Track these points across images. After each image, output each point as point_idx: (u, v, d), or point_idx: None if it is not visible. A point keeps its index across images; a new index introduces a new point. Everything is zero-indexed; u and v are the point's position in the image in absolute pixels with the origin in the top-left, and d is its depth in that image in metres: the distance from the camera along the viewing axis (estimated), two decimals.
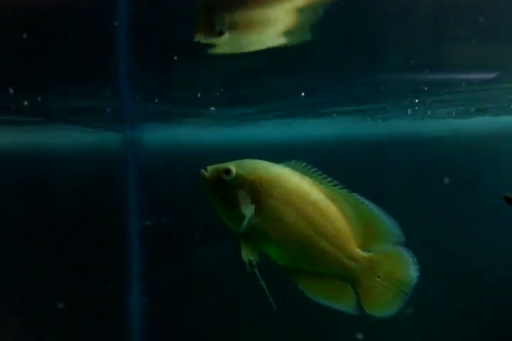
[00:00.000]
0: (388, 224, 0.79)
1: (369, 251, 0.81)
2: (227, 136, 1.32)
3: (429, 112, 2.72)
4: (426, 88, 2.12)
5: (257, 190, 0.76)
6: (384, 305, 0.79)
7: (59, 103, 2.01)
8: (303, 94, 2.03)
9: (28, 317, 1.44)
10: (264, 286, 0.74)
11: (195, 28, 1.29)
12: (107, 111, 1.95)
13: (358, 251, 0.79)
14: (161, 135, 1.38)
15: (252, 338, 1.42)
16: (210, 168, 0.77)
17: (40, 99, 1.94)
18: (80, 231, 1.38)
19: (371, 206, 0.80)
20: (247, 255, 0.75)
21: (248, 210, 0.75)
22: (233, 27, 1.21)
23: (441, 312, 1.42)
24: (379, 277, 0.79)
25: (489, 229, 1.38)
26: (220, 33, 1.17)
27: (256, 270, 0.75)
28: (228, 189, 0.76)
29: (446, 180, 1.44)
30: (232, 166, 0.76)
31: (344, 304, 0.80)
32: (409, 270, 0.79)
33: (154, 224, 1.34)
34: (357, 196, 0.79)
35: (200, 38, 1.31)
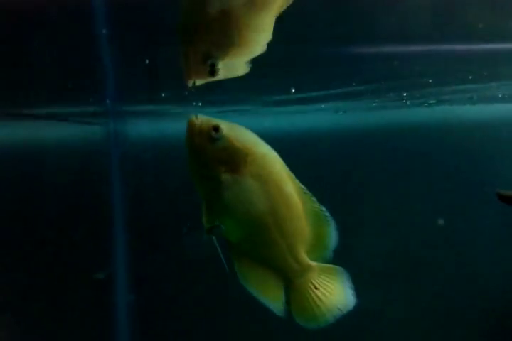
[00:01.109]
0: (332, 233, 0.80)
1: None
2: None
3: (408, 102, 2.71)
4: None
5: (239, 161, 0.73)
6: (312, 317, 0.79)
7: (41, 103, 1.96)
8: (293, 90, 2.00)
9: (12, 315, 1.41)
10: (220, 253, 0.75)
11: (184, 73, 1.23)
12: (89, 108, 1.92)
13: (304, 256, 0.78)
14: (145, 127, 1.35)
15: (243, 335, 1.40)
16: (200, 118, 0.73)
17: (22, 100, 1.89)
18: (64, 226, 1.35)
19: (331, 222, 0.80)
20: (208, 221, 0.75)
21: (224, 178, 0.73)
22: (224, 54, 1.15)
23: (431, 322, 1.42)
24: (316, 288, 0.79)
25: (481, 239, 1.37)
26: (212, 71, 1.10)
27: (214, 238, 0.74)
28: (211, 147, 0.73)
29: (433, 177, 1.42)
30: (224, 125, 0.73)
31: (270, 301, 0.79)
32: (345, 293, 0.80)
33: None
34: (323, 208, 0.79)
35: (192, 82, 1.24)
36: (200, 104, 1.50)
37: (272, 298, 0.79)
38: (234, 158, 0.72)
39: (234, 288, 0.80)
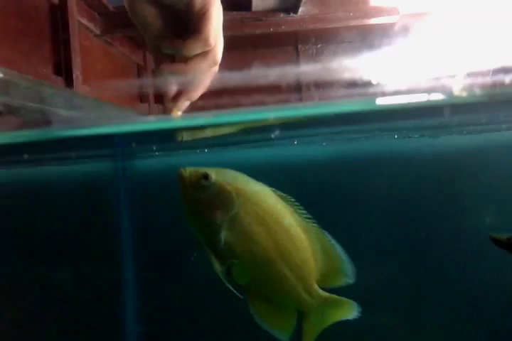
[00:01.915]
0: (345, 266, 0.82)
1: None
2: (220, 159, 1.32)
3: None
4: None
5: (232, 203, 0.76)
6: None
7: None
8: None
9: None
10: (236, 293, 0.77)
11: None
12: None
13: (316, 287, 0.81)
14: (153, 160, 1.39)
15: None
16: (189, 170, 0.77)
17: None
18: (73, 258, 1.39)
19: (334, 244, 0.81)
20: (218, 266, 0.77)
21: (220, 222, 0.76)
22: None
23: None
24: (328, 319, 0.83)
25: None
26: None
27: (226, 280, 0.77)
28: (203, 195, 0.76)
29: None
30: (212, 172, 0.76)
31: (282, 334, 0.81)
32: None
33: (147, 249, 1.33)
34: (326, 233, 0.80)
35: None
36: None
37: (284, 330, 0.82)
38: (227, 201, 0.76)
39: (243, 317, 0.81)
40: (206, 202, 0.77)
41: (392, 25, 1.36)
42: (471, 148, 1.47)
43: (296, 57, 1.72)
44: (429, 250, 1.41)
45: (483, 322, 1.40)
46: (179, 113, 0.69)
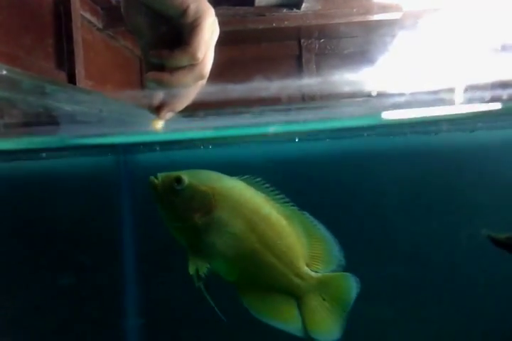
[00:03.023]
0: (333, 247, 0.81)
1: (315, 272, 0.81)
2: (223, 155, 1.33)
3: None
4: None
5: (209, 202, 0.76)
6: (326, 328, 0.82)
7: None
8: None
9: (21, 337, 1.44)
10: (211, 301, 0.76)
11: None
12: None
13: (306, 270, 0.80)
14: (155, 154, 1.40)
15: None
16: (160, 176, 0.76)
17: None
18: (74, 250, 1.40)
19: (319, 226, 0.81)
20: (194, 269, 0.77)
21: (199, 222, 0.76)
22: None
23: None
24: (324, 299, 0.82)
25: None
26: None
27: (202, 284, 0.76)
28: (178, 199, 0.75)
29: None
30: (185, 175, 0.76)
31: (288, 324, 0.81)
32: (352, 295, 0.82)
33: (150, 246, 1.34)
34: (307, 215, 0.80)
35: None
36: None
37: (290, 323, 0.82)
38: (203, 202, 0.76)
39: (244, 309, 0.82)
40: (183, 206, 0.77)
41: (395, 21, 1.36)
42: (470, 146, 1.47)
43: (298, 52, 1.72)
44: (427, 248, 1.42)
45: (482, 321, 1.41)
46: (160, 123, 0.69)
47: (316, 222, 0.82)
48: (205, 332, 1.11)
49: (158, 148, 1.38)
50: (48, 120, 1.11)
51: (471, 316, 1.39)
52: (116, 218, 1.41)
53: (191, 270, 0.78)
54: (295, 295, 0.82)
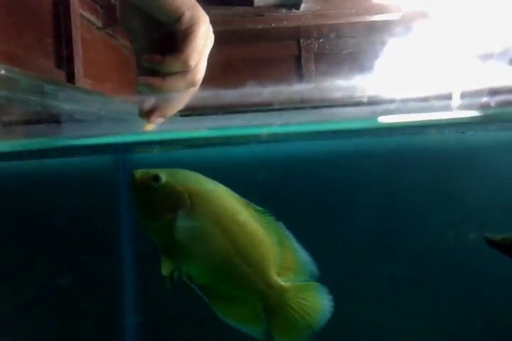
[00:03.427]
0: (304, 259, 0.81)
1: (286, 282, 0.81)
2: (222, 155, 1.32)
3: None
4: None
5: (185, 203, 0.75)
6: (292, 338, 0.81)
7: None
8: None
9: (20, 335, 1.44)
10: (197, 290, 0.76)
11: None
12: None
13: (276, 279, 0.79)
14: (153, 155, 1.40)
15: None
16: (139, 172, 0.76)
17: None
18: (73, 248, 1.40)
19: (291, 237, 0.80)
20: (167, 270, 0.75)
21: (173, 223, 0.74)
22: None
23: None
24: (293, 309, 0.81)
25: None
26: None
27: (170, 285, 0.74)
28: (154, 197, 0.75)
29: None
30: (162, 173, 0.75)
31: (253, 328, 0.80)
32: (321, 308, 0.82)
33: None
34: (281, 225, 0.79)
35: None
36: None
37: (253, 325, 0.81)
38: (179, 202, 0.75)
39: None
40: (158, 204, 0.76)
41: (394, 22, 1.36)
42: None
43: (297, 52, 1.72)
44: (424, 248, 1.42)
45: (481, 320, 1.41)
46: (151, 127, 0.69)
47: (288, 233, 0.81)
48: (203, 331, 1.11)
49: (157, 147, 1.39)
50: (47, 119, 1.12)
51: (471, 316, 1.40)
52: (115, 217, 1.42)
53: (164, 271, 0.76)
54: (263, 303, 0.82)
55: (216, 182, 0.80)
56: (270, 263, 0.81)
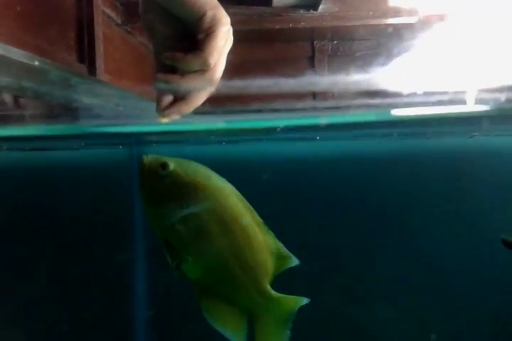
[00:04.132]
0: (289, 257, 0.80)
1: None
2: (233, 151, 1.32)
3: None
4: None
5: (189, 196, 0.73)
6: None
7: None
8: None
9: (29, 327, 1.46)
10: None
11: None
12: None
13: (269, 289, 0.78)
14: (166, 147, 1.41)
15: None
16: (149, 157, 0.74)
17: None
18: (86, 237, 1.41)
19: (280, 243, 0.79)
20: (171, 259, 0.75)
21: (176, 214, 0.73)
22: None
23: None
24: (277, 320, 0.81)
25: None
26: None
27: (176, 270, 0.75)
28: (160, 184, 0.73)
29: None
30: (171, 162, 0.73)
31: (234, 333, 0.79)
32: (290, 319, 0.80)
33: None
34: (271, 232, 0.78)
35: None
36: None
37: (235, 331, 0.80)
38: (185, 194, 0.73)
39: None
40: (163, 192, 0.74)
41: (410, 25, 1.37)
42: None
43: (311, 53, 1.73)
44: (431, 251, 1.43)
45: (484, 323, 1.42)
46: (165, 121, 0.69)
47: (278, 242, 0.80)
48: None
49: (170, 141, 1.40)
50: (67, 112, 1.13)
51: (473, 317, 1.40)
52: (128, 211, 1.43)
53: (170, 260, 0.76)
54: (251, 310, 0.81)
55: (224, 180, 0.78)
56: (265, 271, 0.80)
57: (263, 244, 0.79)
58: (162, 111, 0.68)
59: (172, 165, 0.74)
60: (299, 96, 1.42)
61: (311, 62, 1.74)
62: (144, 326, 1.41)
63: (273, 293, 0.81)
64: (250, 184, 1.35)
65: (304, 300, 0.82)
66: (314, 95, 1.58)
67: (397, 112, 1.16)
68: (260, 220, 0.79)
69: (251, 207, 0.79)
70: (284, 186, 1.41)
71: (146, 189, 0.76)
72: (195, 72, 0.63)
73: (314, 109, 1.46)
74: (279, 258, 0.81)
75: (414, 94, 1.17)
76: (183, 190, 0.75)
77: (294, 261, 0.81)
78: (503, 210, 1.33)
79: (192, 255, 0.77)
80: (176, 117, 0.70)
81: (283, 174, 1.41)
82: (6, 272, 1.35)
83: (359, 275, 1.44)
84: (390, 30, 1.44)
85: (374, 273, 1.37)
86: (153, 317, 1.42)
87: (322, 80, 1.64)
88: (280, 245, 0.81)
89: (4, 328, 1.41)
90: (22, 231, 1.41)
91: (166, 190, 0.75)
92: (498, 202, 1.36)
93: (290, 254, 0.81)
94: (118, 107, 1.23)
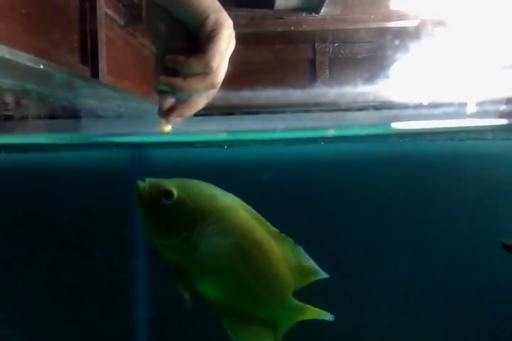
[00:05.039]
0: (316, 271, 0.77)
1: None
2: (237, 155, 1.32)
3: None
4: None
5: (198, 220, 0.69)
6: None
7: None
8: None
9: (30, 328, 1.46)
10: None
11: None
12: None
13: (293, 300, 0.75)
14: (168, 150, 1.41)
15: None
16: (148, 184, 0.69)
17: None
18: (86, 241, 1.41)
19: (302, 251, 0.76)
20: (184, 288, 0.71)
21: (185, 240, 0.69)
22: None
23: None
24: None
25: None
26: None
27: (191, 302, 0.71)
28: (166, 214, 0.69)
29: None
30: (174, 188, 0.69)
31: None
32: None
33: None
34: (291, 240, 0.75)
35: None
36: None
37: None
38: (193, 219, 0.69)
39: None
40: (169, 221, 0.71)
41: (411, 28, 1.38)
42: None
43: (312, 56, 1.74)
44: (432, 254, 1.44)
45: (484, 325, 1.43)
46: (168, 127, 0.69)
47: (303, 251, 0.76)
48: (213, 327, 1.13)
49: (172, 144, 1.40)
50: (71, 114, 1.14)
51: (475, 318, 1.41)
52: (130, 212, 1.43)
53: (182, 289, 0.73)
54: (276, 322, 0.78)
55: (229, 194, 0.75)
56: (287, 283, 0.77)
57: (280, 255, 0.76)
58: (163, 114, 0.68)
59: (175, 191, 0.70)
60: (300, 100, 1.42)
61: (312, 64, 1.75)
62: (145, 327, 1.41)
63: (297, 303, 0.79)
64: (253, 186, 1.36)
65: (329, 316, 0.79)
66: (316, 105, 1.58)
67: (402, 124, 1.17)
68: (275, 230, 0.76)
69: (263, 218, 0.76)
70: (287, 189, 1.42)
71: (150, 219, 0.72)
72: (197, 75, 0.63)
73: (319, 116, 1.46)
74: (304, 271, 0.78)
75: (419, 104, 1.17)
76: (190, 216, 0.71)
77: (322, 275, 0.78)
78: (504, 213, 1.34)
79: (210, 279, 0.74)
80: (177, 121, 0.69)
81: (287, 177, 1.41)
82: (6, 274, 1.35)
83: (359, 276, 1.45)
84: (391, 33, 1.44)
85: (374, 274, 1.38)
86: (153, 319, 1.42)
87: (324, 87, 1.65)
88: (306, 258, 0.78)
89: (4, 328, 1.41)
90: (22, 234, 1.41)
91: (173, 219, 0.71)
92: (499, 205, 1.37)
93: (316, 268, 0.78)
94: (120, 108, 1.23)
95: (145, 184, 0.72)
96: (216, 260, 0.73)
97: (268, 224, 0.76)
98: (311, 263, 0.78)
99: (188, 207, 0.71)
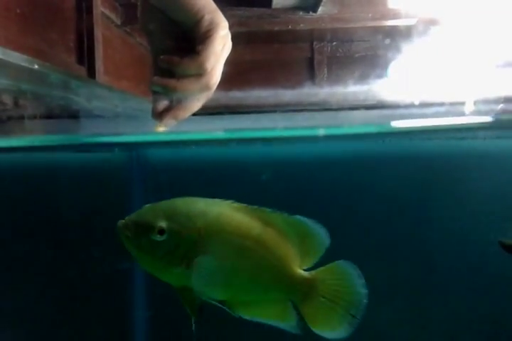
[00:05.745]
0: (320, 233, 0.74)
1: (309, 268, 0.75)
2: (234, 154, 1.32)
3: None
4: None
5: (195, 242, 0.68)
6: (330, 328, 0.74)
7: None
8: None
9: (30, 328, 1.46)
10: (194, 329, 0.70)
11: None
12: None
13: (299, 273, 0.73)
14: (166, 150, 1.41)
15: None
16: (131, 223, 0.66)
17: None
18: (85, 239, 1.41)
19: (302, 219, 0.74)
20: (190, 307, 0.70)
21: (184, 266, 0.67)
22: None
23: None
24: (324, 297, 0.74)
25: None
26: None
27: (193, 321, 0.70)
28: (159, 250, 0.66)
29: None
30: (163, 222, 0.66)
31: (285, 323, 0.74)
32: (355, 287, 0.74)
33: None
34: (288, 215, 0.73)
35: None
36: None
37: (287, 321, 0.75)
38: (190, 247, 0.68)
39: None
40: (164, 256, 0.68)
41: (408, 27, 1.38)
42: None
43: (310, 54, 1.74)
44: (432, 252, 1.43)
45: (484, 323, 1.42)
46: (162, 128, 0.68)
47: (298, 216, 0.75)
48: (213, 326, 1.13)
49: (169, 145, 1.40)
50: (68, 114, 1.14)
51: (475, 318, 1.41)
52: (128, 212, 1.43)
53: (188, 309, 0.72)
54: (292, 299, 0.76)
55: (216, 200, 0.73)
56: (290, 260, 0.76)
57: (278, 237, 0.75)
58: (157, 115, 0.68)
59: (165, 225, 0.67)
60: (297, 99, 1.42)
61: (310, 63, 1.75)
62: (143, 326, 1.41)
63: (305, 274, 0.76)
64: (251, 186, 1.35)
65: (343, 264, 0.76)
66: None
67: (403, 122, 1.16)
68: (268, 210, 0.74)
69: (254, 207, 0.74)
70: (287, 188, 1.41)
71: (141, 258, 0.70)
72: (191, 76, 0.63)
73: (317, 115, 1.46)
74: (310, 238, 0.76)
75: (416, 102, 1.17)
76: (186, 245, 0.69)
77: (322, 234, 0.76)
78: (503, 212, 1.34)
79: (217, 290, 0.73)
80: (172, 123, 0.68)
81: (287, 177, 1.41)
82: (5, 273, 1.35)
83: (365, 276, 1.44)
84: (389, 31, 1.44)
85: (373, 273, 1.37)
86: (152, 318, 1.42)
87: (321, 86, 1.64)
88: (308, 224, 0.76)
89: (4, 328, 1.41)
90: (21, 234, 1.41)
91: (169, 253, 0.69)
92: (499, 204, 1.37)
93: (318, 231, 0.76)
94: (117, 108, 1.23)
95: (128, 222, 0.69)
96: (221, 273, 0.72)
97: (261, 209, 0.74)
98: (309, 229, 0.76)
99: (182, 234, 0.69)
